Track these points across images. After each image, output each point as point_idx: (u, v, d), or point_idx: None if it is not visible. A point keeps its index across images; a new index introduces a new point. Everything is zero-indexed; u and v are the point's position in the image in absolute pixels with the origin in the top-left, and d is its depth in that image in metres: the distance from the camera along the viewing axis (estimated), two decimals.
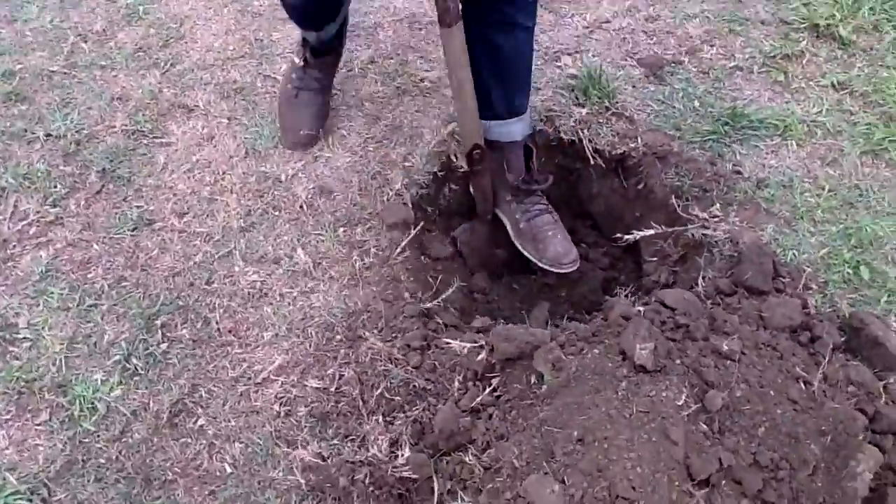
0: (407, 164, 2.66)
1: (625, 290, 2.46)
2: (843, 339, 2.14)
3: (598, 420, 1.80)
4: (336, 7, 2.51)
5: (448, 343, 2.15)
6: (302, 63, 2.71)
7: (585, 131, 2.70)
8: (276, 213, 2.56)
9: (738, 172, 2.56)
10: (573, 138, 2.71)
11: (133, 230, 2.53)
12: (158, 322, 2.32)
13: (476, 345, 2.13)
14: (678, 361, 1.89)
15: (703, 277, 2.33)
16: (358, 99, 2.86)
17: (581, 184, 2.82)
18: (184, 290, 2.40)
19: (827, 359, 2.01)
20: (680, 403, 1.80)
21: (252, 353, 2.27)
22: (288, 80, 2.75)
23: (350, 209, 2.55)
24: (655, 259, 2.56)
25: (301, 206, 2.56)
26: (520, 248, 2.62)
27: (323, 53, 2.69)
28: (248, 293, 2.38)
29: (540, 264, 2.58)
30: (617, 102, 2.76)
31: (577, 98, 2.80)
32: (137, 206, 2.59)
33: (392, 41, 3.04)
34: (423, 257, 2.59)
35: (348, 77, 2.93)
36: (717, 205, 2.46)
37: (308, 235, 2.50)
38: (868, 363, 2.10)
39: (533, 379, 2.02)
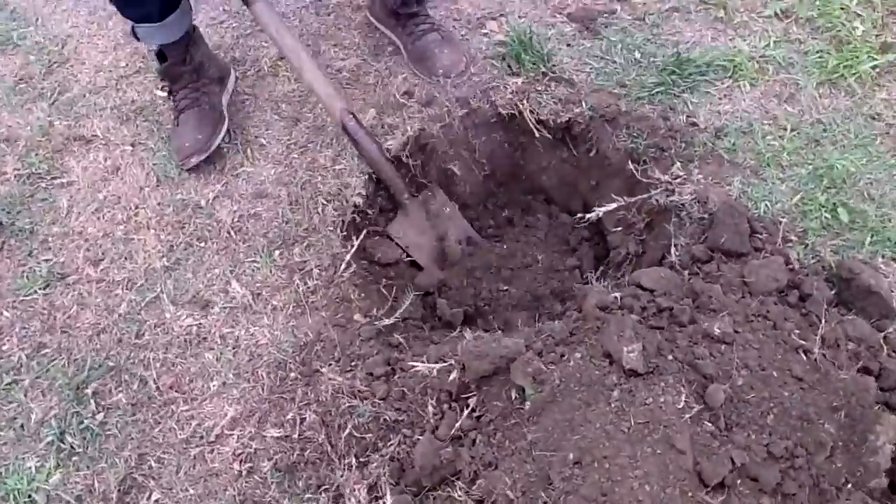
0: (338, 166, 2.42)
1: (594, 273, 2.27)
2: (833, 291, 1.99)
3: (593, 438, 1.61)
4: None
5: (414, 366, 1.95)
6: (167, 92, 2.54)
7: (525, 102, 2.48)
8: (202, 244, 2.31)
9: (694, 124, 2.38)
10: (512, 111, 2.49)
11: (45, 288, 2.26)
12: (89, 390, 2.08)
13: (445, 364, 1.93)
14: (670, 357, 1.71)
15: (676, 246, 2.15)
16: (272, 101, 2.60)
17: (528, 158, 2.61)
18: (112, 348, 2.15)
19: (823, 319, 1.86)
20: (680, 406, 1.62)
21: (200, 407, 2.04)
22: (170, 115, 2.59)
23: (283, 227, 2.31)
24: (620, 229, 2.37)
25: (228, 233, 2.31)
26: (415, 70, 2.63)
27: (178, 73, 2.47)
28: (185, 340, 2.14)
29: (433, 80, 2.58)
30: (553, 65, 2.54)
31: (509, 67, 2.58)
32: (46, 260, 2.31)
33: (299, 31, 2.76)
34: (372, 265, 2.37)
35: (258, 78, 2.66)
36: (678, 164, 2.27)
37: (241, 264, 2.26)
38: (863, 314, 1.95)
39: (514, 394, 1.82)
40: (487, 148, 2.59)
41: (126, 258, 2.30)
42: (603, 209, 2.23)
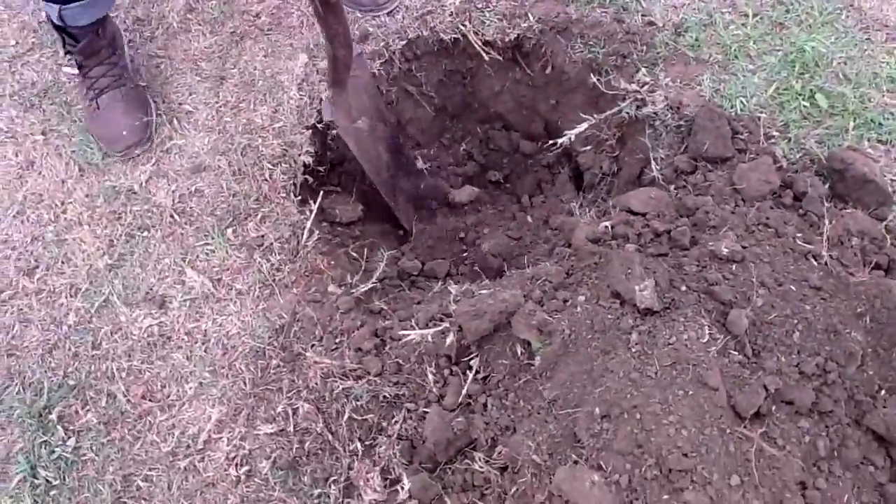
0: (277, 124, 2.20)
1: (576, 200, 2.13)
2: (826, 185, 1.89)
3: (619, 388, 1.51)
4: None
5: (406, 335, 1.81)
6: (77, 70, 2.22)
7: (467, 24, 2.28)
8: (145, 233, 2.09)
9: (651, 23, 2.21)
10: (455, 36, 2.29)
11: None
12: (54, 415, 1.89)
13: (439, 328, 1.79)
14: (683, 288, 1.60)
15: (655, 159, 2.03)
16: (190, 61, 2.34)
17: (479, 85, 2.42)
18: (69, 364, 1.95)
19: (826, 218, 1.77)
20: (705, 340, 1.52)
21: (179, 414, 1.88)
22: (80, 94, 2.26)
23: (231, 202, 2.10)
24: (590, 148, 2.23)
25: (171, 217, 2.10)
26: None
27: (97, 47, 2.17)
28: (147, 343, 1.96)
29: (362, 10, 2.33)
30: None
31: None
32: None
33: None
34: (333, 227, 2.19)
35: (169, 37, 2.38)
36: (643, 69, 2.12)
37: (193, 249, 2.06)
38: (860, 204, 1.87)
39: (519, 350, 1.70)
40: (434, 79, 2.40)
41: (63, 262, 2.07)
42: (574, 131, 2.07)
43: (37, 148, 2.23)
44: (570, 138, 2.06)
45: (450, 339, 1.76)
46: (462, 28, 2.29)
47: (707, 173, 1.94)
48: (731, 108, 2.04)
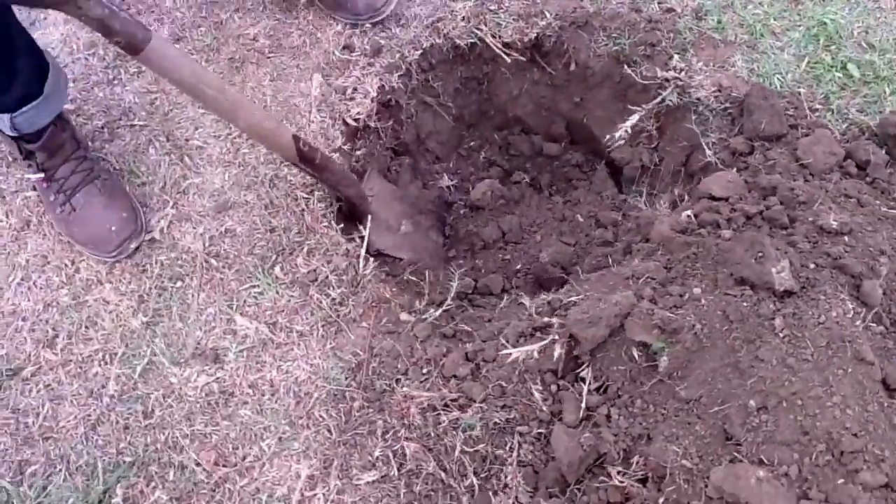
0: None
1: (632, 191, 2.07)
2: (883, 150, 1.91)
3: (774, 376, 1.44)
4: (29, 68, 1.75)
5: (508, 354, 1.69)
6: (41, 174, 1.91)
7: (483, 27, 2.19)
8: (178, 283, 1.88)
9: (670, 10, 2.19)
10: (472, 40, 2.19)
11: None
12: (118, 497, 1.66)
13: (545, 342, 1.68)
14: (812, 265, 1.56)
15: (707, 144, 1.99)
16: None
17: (495, 90, 2.33)
18: (121, 439, 1.73)
19: None
20: (850, 315, 1.48)
21: (262, 476, 1.69)
22: (47, 203, 1.95)
23: (270, 238, 1.93)
24: (624, 142, 2.17)
25: (205, 262, 1.90)
26: (338, 18, 2.24)
27: (60, 142, 1.90)
28: (208, 403, 1.76)
29: (360, 20, 2.21)
30: None
31: None
32: None
33: (187, 4, 2.28)
34: (378, 253, 2.04)
35: None
36: (675, 56, 2.09)
37: (238, 294, 1.87)
38: None
39: (635, 352, 1.61)
40: (450, 88, 2.29)
41: (88, 326, 1.84)
42: (628, 123, 2.01)
43: (30, 205, 1.99)
44: (626, 129, 2.00)
45: (557, 351, 1.66)
46: (478, 32, 2.19)
47: (766, 152, 1.92)
48: (770, 85, 2.04)
